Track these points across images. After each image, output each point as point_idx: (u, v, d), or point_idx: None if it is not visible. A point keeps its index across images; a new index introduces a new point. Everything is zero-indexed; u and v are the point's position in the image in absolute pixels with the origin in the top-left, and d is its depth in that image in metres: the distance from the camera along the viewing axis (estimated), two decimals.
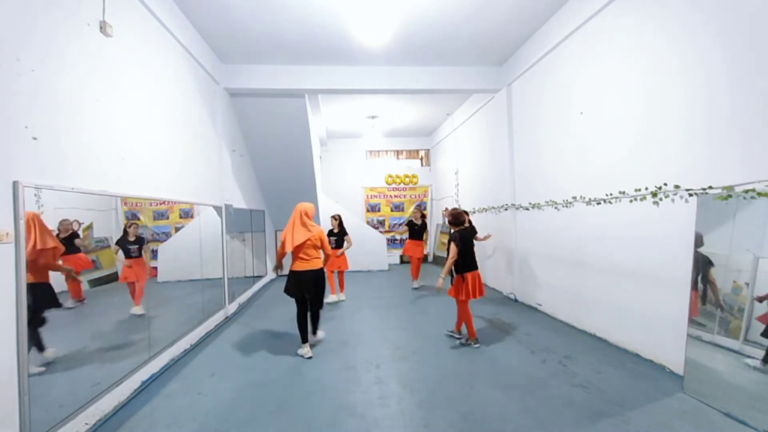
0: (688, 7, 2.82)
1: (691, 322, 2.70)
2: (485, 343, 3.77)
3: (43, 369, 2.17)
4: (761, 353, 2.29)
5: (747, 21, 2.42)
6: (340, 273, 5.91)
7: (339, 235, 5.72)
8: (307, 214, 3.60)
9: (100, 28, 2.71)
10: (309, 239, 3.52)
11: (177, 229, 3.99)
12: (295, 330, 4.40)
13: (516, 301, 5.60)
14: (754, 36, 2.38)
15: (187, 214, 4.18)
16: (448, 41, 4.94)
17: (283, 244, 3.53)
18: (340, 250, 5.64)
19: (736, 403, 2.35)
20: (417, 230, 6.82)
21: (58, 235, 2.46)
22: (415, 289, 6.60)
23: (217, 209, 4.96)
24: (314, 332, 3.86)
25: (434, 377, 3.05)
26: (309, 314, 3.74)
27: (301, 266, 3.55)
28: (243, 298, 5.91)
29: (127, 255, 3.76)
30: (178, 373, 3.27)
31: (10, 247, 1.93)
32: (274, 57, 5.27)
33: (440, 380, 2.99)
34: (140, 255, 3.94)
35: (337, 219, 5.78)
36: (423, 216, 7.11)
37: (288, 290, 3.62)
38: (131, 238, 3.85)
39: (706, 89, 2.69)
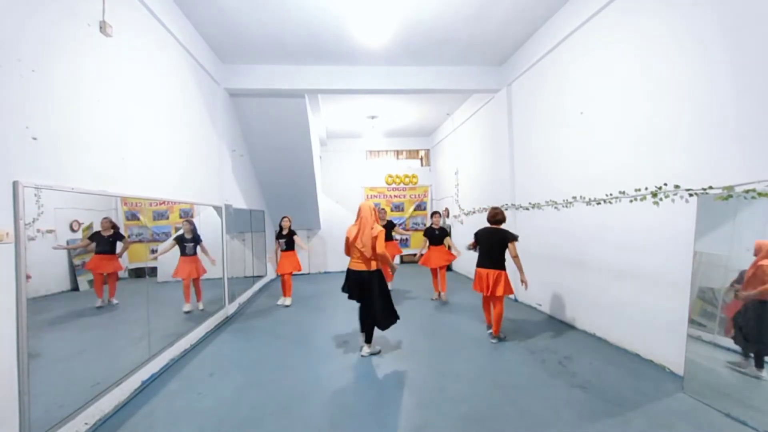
0: (690, 6, 2.82)
1: (691, 322, 2.70)
2: (485, 342, 3.78)
3: None
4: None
5: (750, 20, 2.42)
6: (288, 275, 5.76)
7: (288, 237, 5.65)
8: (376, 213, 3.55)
9: (100, 28, 2.71)
10: (375, 238, 3.39)
11: (177, 229, 3.99)
12: (294, 329, 4.42)
13: (516, 301, 5.60)
14: (756, 36, 2.37)
15: (187, 214, 4.18)
16: (448, 41, 4.94)
17: (355, 239, 3.43)
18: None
19: (736, 403, 2.35)
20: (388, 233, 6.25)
21: (98, 233, 2.55)
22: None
23: (217, 209, 4.96)
24: (366, 340, 3.59)
25: (434, 377, 3.05)
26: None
27: (355, 266, 3.50)
28: (243, 298, 5.91)
29: (183, 252, 4.00)
30: (178, 373, 3.26)
31: (10, 247, 1.93)
32: (274, 57, 5.27)
33: (440, 380, 2.99)
34: (195, 253, 4.16)
35: (289, 221, 5.75)
36: (390, 222, 6.46)
37: (344, 288, 3.60)
38: (188, 236, 3.99)
39: (707, 89, 2.69)
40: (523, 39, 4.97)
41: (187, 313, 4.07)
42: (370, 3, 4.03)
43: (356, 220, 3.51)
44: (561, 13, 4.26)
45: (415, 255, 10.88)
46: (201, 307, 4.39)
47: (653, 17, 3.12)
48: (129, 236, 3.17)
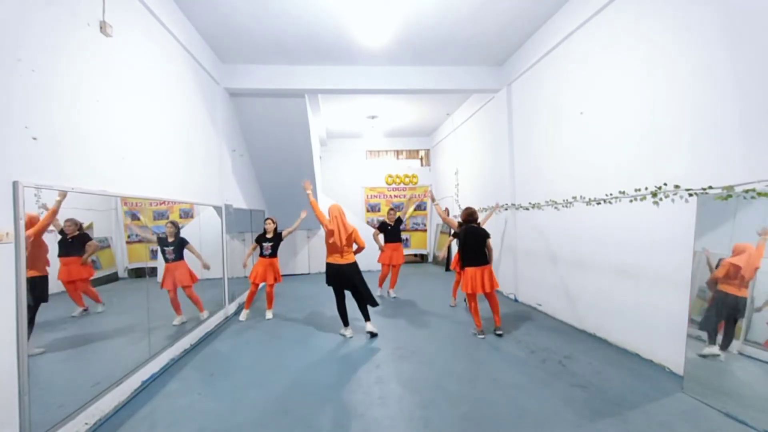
0: (690, 6, 2.82)
1: (691, 321, 2.70)
2: (485, 343, 3.78)
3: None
4: (762, 353, 2.30)
5: (749, 20, 2.42)
6: (271, 286, 4.97)
7: (275, 241, 4.94)
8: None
9: (100, 28, 2.71)
10: (351, 234, 4.00)
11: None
12: (294, 329, 4.42)
13: (516, 301, 5.60)
14: (756, 36, 2.37)
15: (187, 214, 4.18)
16: (449, 41, 4.94)
17: (332, 233, 3.91)
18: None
19: (736, 403, 2.35)
20: (392, 231, 6.05)
21: (64, 237, 2.46)
22: (395, 298, 5.94)
23: (217, 209, 4.96)
24: (366, 319, 4.13)
25: (434, 377, 3.06)
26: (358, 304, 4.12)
27: (338, 260, 3.96)
28: (243, 298, 5.90)
29: (165, 259, 3.63)
30: (178, 373, 3.26)
31: (10, 247, 1.93)
32: (274, 57, 5.27)
33: (440, 380, 2.99)
34: (179, 258, 3.82)
35: (274, 223, 5.00)
36: (399, 219, 6.27)
37: (329, 281, 4.04)
38: (170, 239, 3.71)
39: (707, 89, 2.69)
40: (523, 39, 4.97)
41: (176, 325, 3.75)
42: (370, 3, 4.04)
43: (331, 221, 3.97)
44: (561, 13, 4.26)
45: (415, 255, 10.94)
46: (205, 316, 4.24)
47: (653, 17, 3.12)
48: (129, 236, 3.17)
